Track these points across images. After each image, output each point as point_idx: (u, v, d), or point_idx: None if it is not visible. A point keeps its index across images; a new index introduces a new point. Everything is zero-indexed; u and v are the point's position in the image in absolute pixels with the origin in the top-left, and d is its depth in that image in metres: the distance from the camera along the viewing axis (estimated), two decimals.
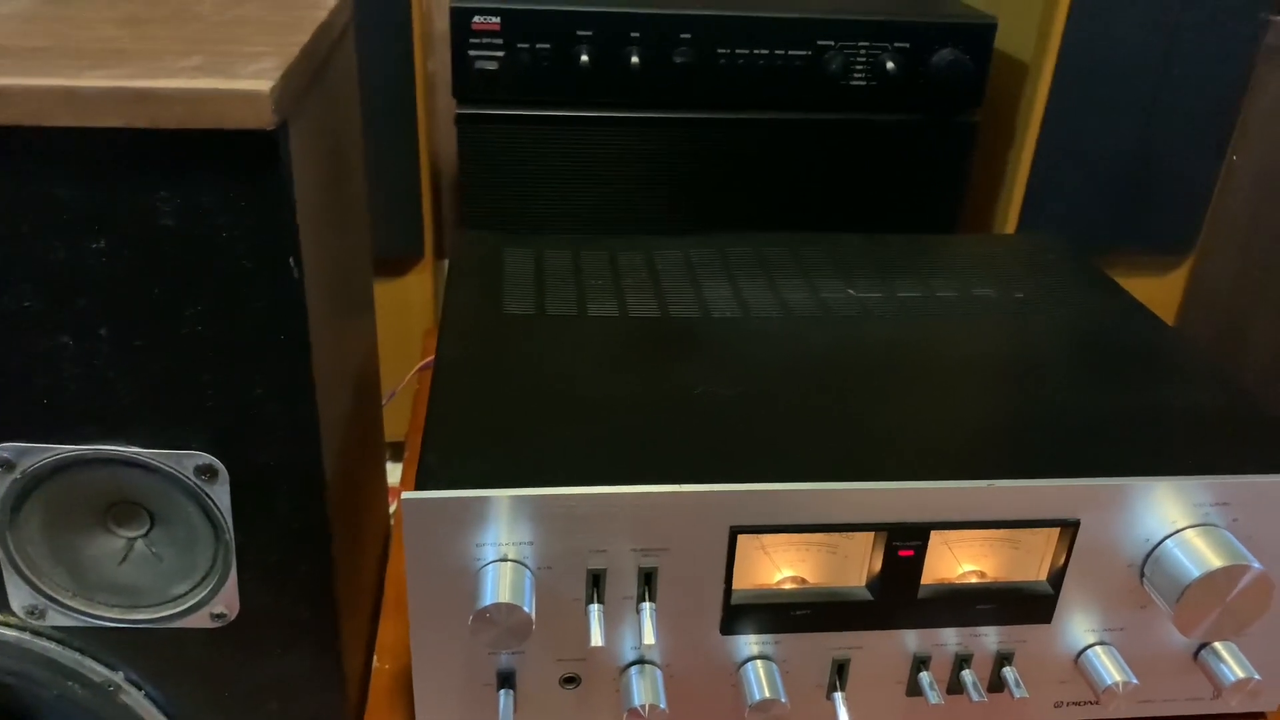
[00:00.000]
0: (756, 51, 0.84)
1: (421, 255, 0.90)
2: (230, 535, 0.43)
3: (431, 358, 0.83)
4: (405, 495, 0.43)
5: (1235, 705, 0.52)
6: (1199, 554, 0.47)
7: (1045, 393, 0.54)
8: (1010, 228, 0.94)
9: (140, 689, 0.47)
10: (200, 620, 0.45)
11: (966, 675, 0.50)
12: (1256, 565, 0.46)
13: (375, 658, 0.56)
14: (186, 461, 0.42)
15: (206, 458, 0.42)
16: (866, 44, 0.85)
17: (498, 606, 0.43)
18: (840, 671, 0.50)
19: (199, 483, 0.42)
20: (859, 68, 0.86)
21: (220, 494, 0.42)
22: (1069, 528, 0.47)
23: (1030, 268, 0.69)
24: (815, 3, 0.87)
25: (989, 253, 0.72)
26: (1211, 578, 0.46)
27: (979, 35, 0.86)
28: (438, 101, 0.96)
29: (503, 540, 0.45)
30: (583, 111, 0.85)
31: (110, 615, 0.45)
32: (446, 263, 0.91)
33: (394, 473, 0.84)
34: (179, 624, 0.45)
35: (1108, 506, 0.47)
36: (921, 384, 0.54)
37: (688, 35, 0.83)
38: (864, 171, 0.90)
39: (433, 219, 0.89)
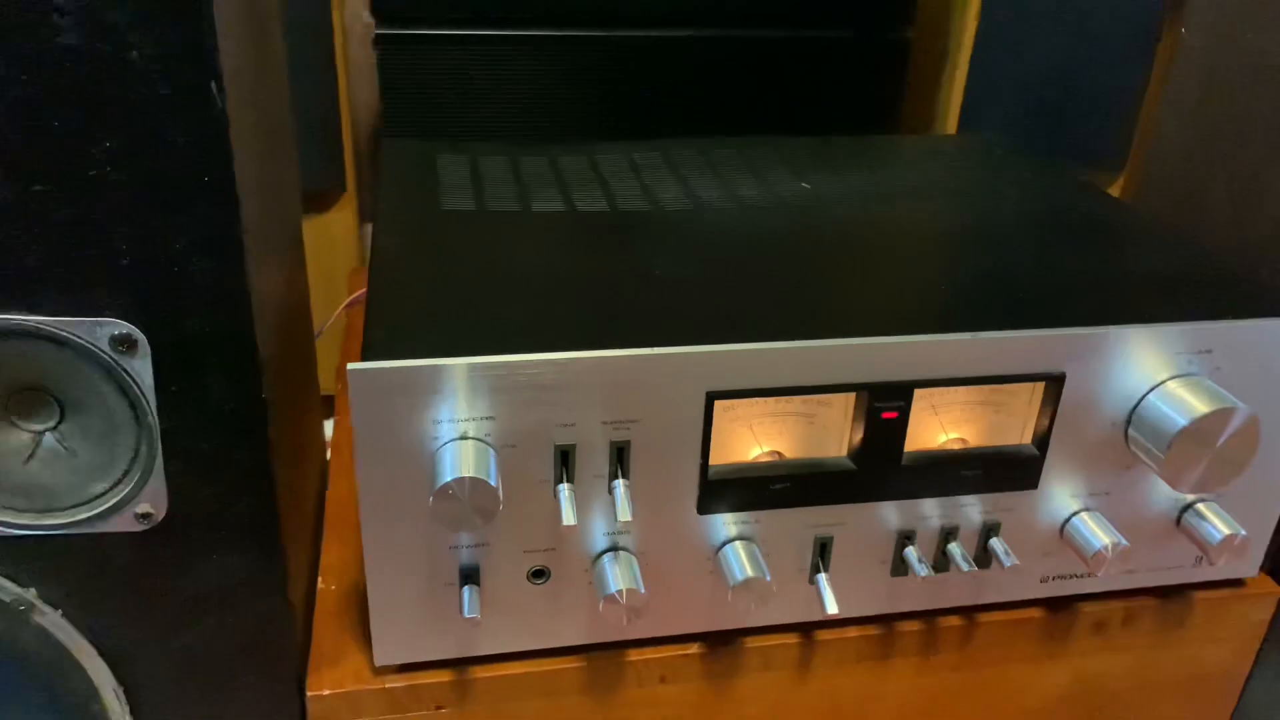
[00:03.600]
0: None
1: (344, 189, 0.85)
2: (154, 420, 0.39)
3: (361, 292, 0.78)
4: (351, 367, 0.39)
5: (1222, 564, 0.51)
6: (1184, 403, 0.45)
7: (1020, 256, 0.53)
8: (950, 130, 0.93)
9: (57, 608, 0.41)
10: (124, 523, 0.40)
11: (954, 548, 0.48)
12: (1243, 408, 0.45)
13: (320, 579, 0.52)
14: (100, 331, 0.37)
15: (124, 326, 0.37)
16: None
17: (461, 481, 0.39)
18: (823, 552, 0.47)
19: (115, 356, 0.37)
20: None
21: (141, 370, 0.38)
22: (1055, 381, 0.45)
23: (982, 159, 0.68)
24: None
25: (938, 149, 0.70)
26: (1199, 424, 0.45)
27: None
28: (353, 43, 0.91)
29: (461, 416, 0.41)
30: (504, 30, 0.81)
31: (18, 522, 0.40)
32: (370, 202, 0.86)
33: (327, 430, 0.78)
34: (99, 528, 0.40)
35: (1093, 357, 0.45)
36: (894, 252, 0.52)
37: None
38: (796, 90, 0.88)
39: (353, 154, 0.84)
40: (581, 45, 0.83)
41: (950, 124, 0.93)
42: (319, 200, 0.84)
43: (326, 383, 0.73)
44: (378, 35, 0.79)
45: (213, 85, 0.34)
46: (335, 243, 0.85)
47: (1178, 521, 0.51)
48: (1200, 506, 0.50)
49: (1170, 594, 0.53)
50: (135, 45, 0.33)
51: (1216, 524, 0.49)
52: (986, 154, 0.69)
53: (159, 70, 0.33)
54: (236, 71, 0.37)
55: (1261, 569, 0.55)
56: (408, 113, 0.82)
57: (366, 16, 0.80)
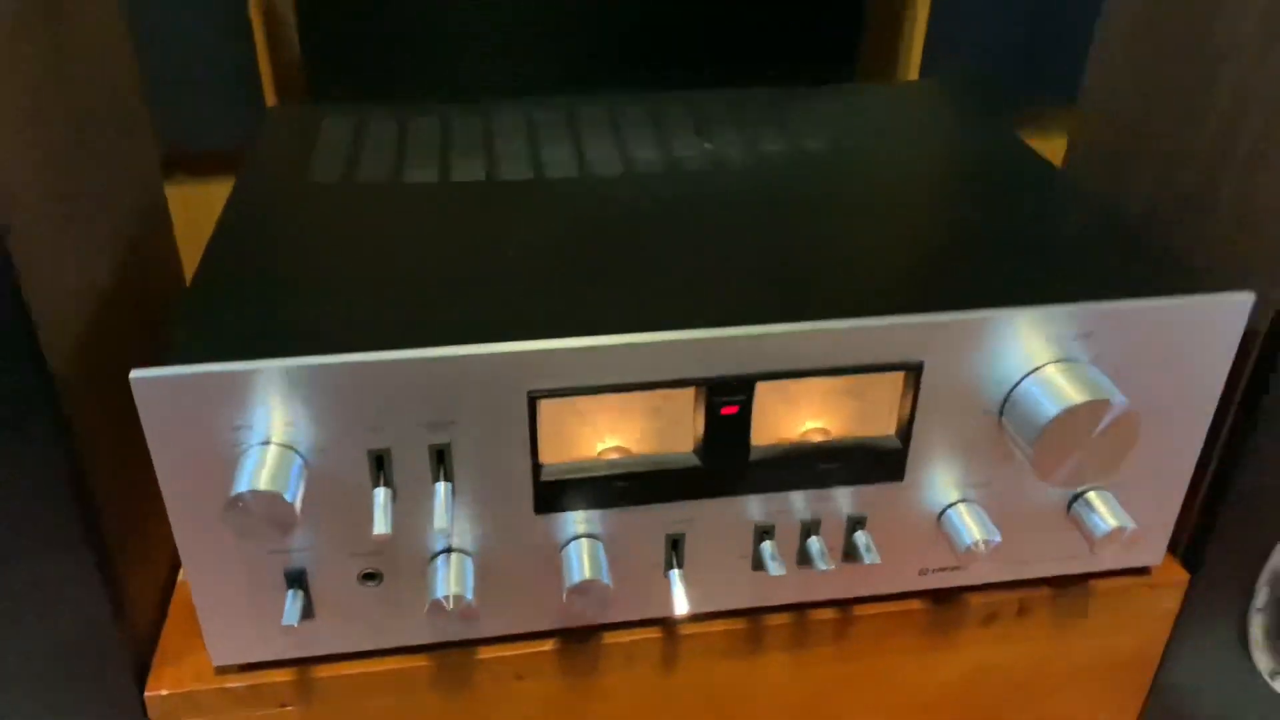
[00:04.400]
0: None
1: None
2: None
3: None
4: (134, 374, 0.37)
5: (1110, 559, 0.48)
6: (1058, 390, 0.42)
7: (897, 229, 0.49)
8: (915, 65, 0.88)
9: None
10: None
11: (813, 543, 0.45)
12: (1120, 399, 0.41)
13: (182, 570, 0.51)
14: None
15: None
16: None
17: (253, 494, 0.38)
18: (675, 547, 0.45)
19: None
20: None
21: None
22: (912, 370, 0.42)
23: (910, 115, 0.63)
24: None
25: (867, 102, 0.66)
26: (1071, 414, 0.41)
27: None
28: None
29: (265, 421, 0.39)
30: None
31: None
32: None
33: None
34: None
35: (955, 345, 0.42)
36: (759, 229, 0.49)
37: None
38: (751, 31, 0.82)
39: (276, 90, 0.81)
40: None
41: (914, 63, 0.88)
42: (233, 145, 0.81)
43: None
44: None
45: None
46: None
47: (1068, 509, 0.47)
48: (1090, 495, 0.47)
49: (1069, 584, 0.50)
50: None
51: (1104, 515, 0.46)
52: (918, 107, 0.64)
53: None
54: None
55: (1175, 554, 0.52)
56: (327, 57, 0.78)
57: None
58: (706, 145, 0.58)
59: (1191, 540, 0.52)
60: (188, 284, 0.48)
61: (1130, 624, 0.52)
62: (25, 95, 0.38)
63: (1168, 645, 0.53)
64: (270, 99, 0.81)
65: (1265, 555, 0.52)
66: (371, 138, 0.59)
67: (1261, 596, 0.53)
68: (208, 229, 0.49)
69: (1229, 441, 0.49)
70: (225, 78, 0.78)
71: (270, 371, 0.38)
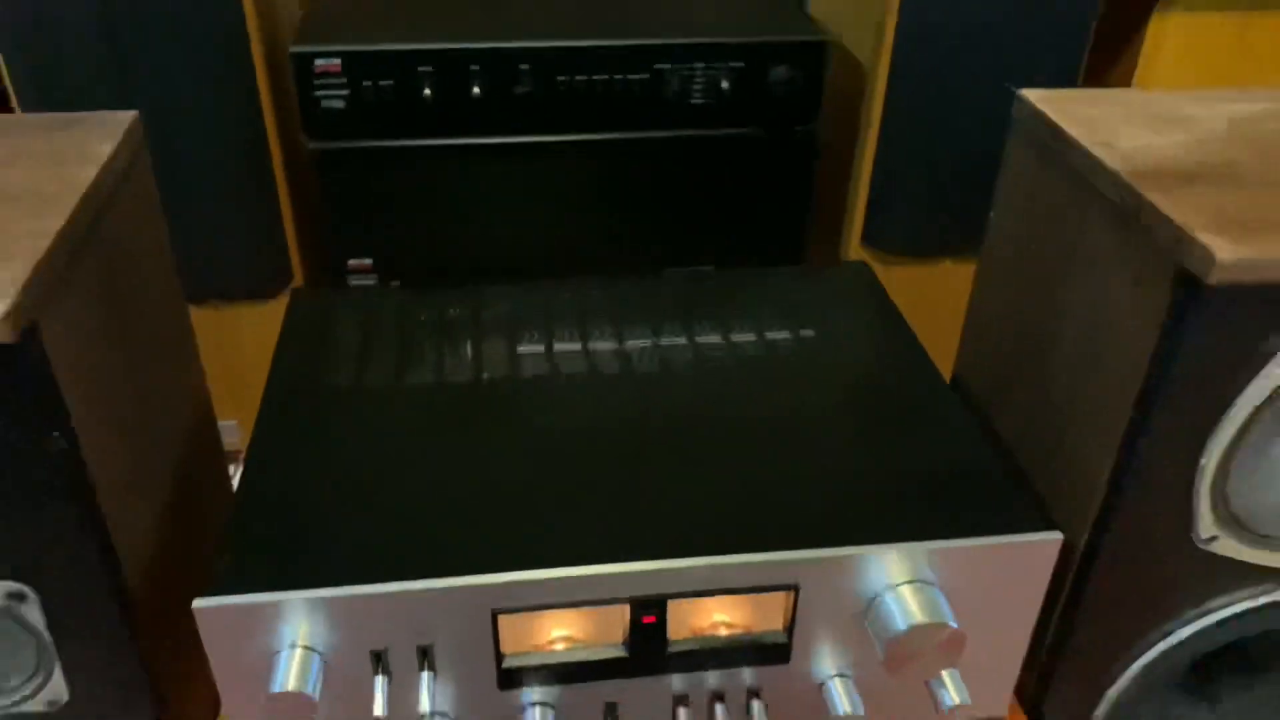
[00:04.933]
0: (596, 77, 0.88)
1: (291, 279, 0.95)
2: (49, 641, 0.50)
3: None
4: (196, 603, 0.50)
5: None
6: (905, 611, 0.54)
7: (790, 458, 0.60)
8: (856, 235, 0.99)
9: None
10: (37, 705, 0.52)
11: (719, 709, 0.58)
12: (952, 624, 0.53)
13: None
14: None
15: (16, 585, 0.48)
16: (702, 65, 0.89)
17: (284, 693, 0.50)
18: (612, 710, 0.58)
19: (12, 603, 0.49)
20: (697, 87, 0.89)
21: (32, 611, 0.49)
22: (789, 590, 0.54)
23: (827, 306, 0.74)
24: (650, 27, 0.90)
25: (790, 290, 0.76)
26: (914, 631, 0.53)
27: (812, 52, 0.90)
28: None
29: (294, 630, 0.51)
30: (430, 140, 0.89)
31: None
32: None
33: None
34: (20, 709, 0.52)
35: (824, 572, 0.54)
36: (680, 454, 0.60)
37: (526, 66, 0.86)
38: (711, 185, 0.94)
39: (297, 246, 0.94)
40: (504, 151, 0.90)
41: (860, 206, 0.99)
42: (266, 291, 0.94)
43: None
44: (311, 149, 0.88)
45: (56, 434, 0.44)
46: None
47: (927, 684, 0.60)
48: (944, 674, 0.59)
49: None
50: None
51: (950, 692, 0.58)
52: (837, 298, 0.75)
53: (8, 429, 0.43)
54: (94, 390, 0.47)
55: (1024, 708, 0.65)
56: (345, 216, 0.90)
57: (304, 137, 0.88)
58: (657, 341, 0.70)
59: (1030, 695, 0.64)
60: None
61: None
62: (93, 359, 0.51)
63: None
64: (291, 240, 0.93)
65: (1094, 704, 0.64)
66: (378, 330, 0.71)
67: None
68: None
69: (1059, 627, 0.61)
70: (257, 224, 0.90)
71: (294, 601, 0.50)
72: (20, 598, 0.49)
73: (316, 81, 0.85)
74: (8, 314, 0.40)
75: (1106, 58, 1.07)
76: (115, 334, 0.52)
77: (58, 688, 0.52)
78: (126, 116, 0.56)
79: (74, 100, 0.81)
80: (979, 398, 0.73)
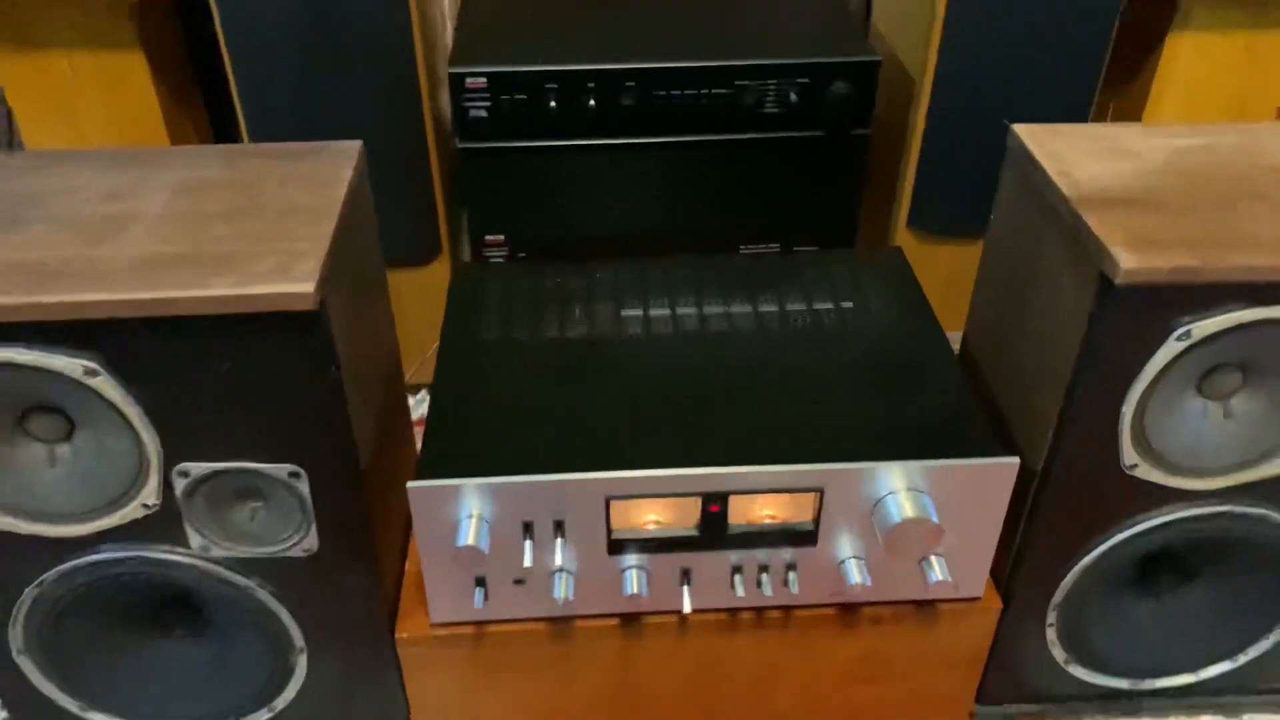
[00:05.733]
0: (687, 92, 1.09)
1: (440, 251, 1.18)
2: (310, 507, 0.75)
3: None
4: (410, 485, 0.74)
5: (947, 594, 0.82)
6: (901, 508, 0.75)
7: (823, 397, 0.81)
8: (903, 219, 1.19)
9: (265, 589, 0.79)
10: (298, 553, 0.77)
11: (764, 577, 0.80)
12: (934, 520, 0.75)
13: (408, 561, 0.89)
14: (280, 470, 0.72)
15: (295, 467, 0.72)
16: (774, 81, 1.09)
17: (465, 548, 0.74)
18: (685, 575, 0.80)
19: (291, 480, 0.73)
20: (769, 99, 1.10)
21: (303, 486, 0.73)
22: (816, 492, 0.76)
23: (864, 283, 0.95)
24: (730, 49, 1.10)
25: (830, 270, 0.96)
26: (905, 524, 0.75)
27: (866, 69, 1.09)
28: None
29: (470, 506, 0.75)
30: (553, 141, 1.11)
31: (249, 551, 0.77)
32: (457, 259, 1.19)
33: (422, 406, 1.14)
34: (288, 555, 0.77)
35: (842, 480, 0.76)
36: (742, 392, 0.82)
37: (632, 83, 1.08)
38: (779, 179, 1.14)
39: (447, 224, 1.17)
40: (615, 151, 1.11)
41: (906, 195, 1.18)
42: (421, 260, 1.18)
43: (428, 375, 1.06)
44: (460, 149, 1.10)
45: (332, 368, 0.68)
46: (434, 287, 1.18)
47: (919, 563, 0.81)
48: (931, 558, 0.80)
49: (924, 605, 0.84)
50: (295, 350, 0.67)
51: (936, 572, 0.79)
52: (872, 277, 0.96)
53: (304, 366, 0.67)
54: (348, 341, 0.71)
55: (997, 588, 0.85)
56: (483, 204, 1.13)
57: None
58: (729, 309, 0.91)
59: (1005, 581, 0.85)
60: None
61: (965, 629, 0.86)
62: (347, 280, 0.74)
63: (993, 643, 0.87)
64: (441, 218, 1.17)
65: (1053, 591, 0.84)
66: (518, 295, 0.94)
67: (1050, 616, 0.86)
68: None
69: (1023, 532, 0.81)
70: (415, 205, 1.13)
71: (471, 485, 0.74)
72: (296, 476, 0.73)
73: (466, 95, 1.07)
74: (314, 291, 0.64)
75: (1129, 72, 1.23)
76: (357, 301, 0.76)
77: (312, 541, 0.77)
78: (355, 146, 0.79)
79: (287, 122, 1.05)
80: (976, 356, 0.93)
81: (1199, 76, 1.17)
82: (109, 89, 1.13)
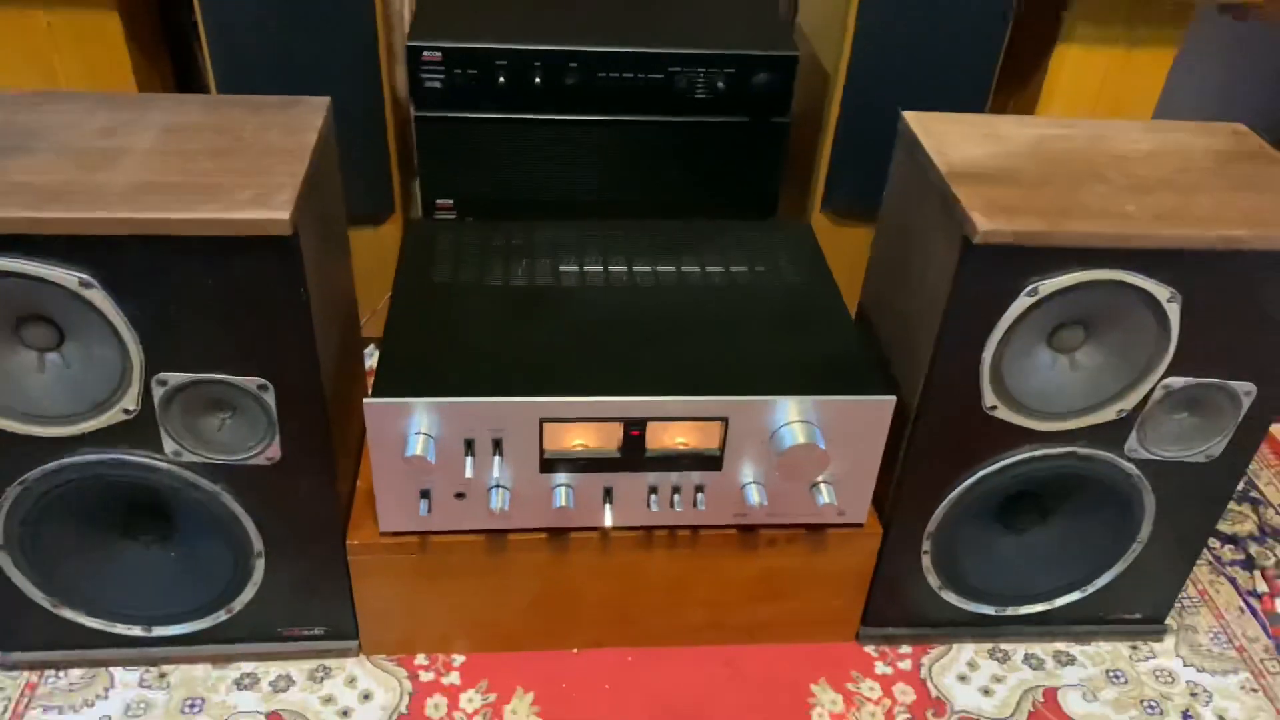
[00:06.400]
0: (625, 75, 1.19)
1: (393, 211, 1.28)
2: (275, 417, 0.84)
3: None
4: (365, 401, 0.83)
5: (834, 518, 0.94)
6: (794, 436, 0.87)
7: (732, 342, 0.93)
8: (819, 202, 1.31)
9: (229, 494, 0.88)
10: (262, 460, 0.86)
11: (675, 497, 0.91)
12: (821, 446, 0.87)
13: (359, 480, 0.98)
14: (250, 382, 0.82)
15: (263, 380, 0.82)
16: (704, 70, 1.20)
17: (414, 458, 0.84)
18: (608, 493, 0.91)
19: (259, 392, 0.82)
20: (699, 86, 1.21)
21: (269, 397, 0.83)
22: (722, 421, 0.87)
23: (775, 250, 1.07)
24: (667, 38, 1.21)
25: (746, 238, 1.08)
26: (796, 449, 0.87)
27: (786, 63, 1.21)
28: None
29: (422, 420, 0.85)
30: (501, 115, 1.21)
31: (218, 457, 0.86)
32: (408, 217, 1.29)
33: (372, 358, 1.24)
34: (253, 462, 0.86)
35: (744, 411, 0.87)
36: (663, 336, 0.93)
37: (575, 65, 1.18)
38: (707, 158, 1.26)
39: (400, 188, 1.27)
40: (558, 125, 1.22)
41: (821, 179, 1.31)
42: (374, 219, 1.27)
43: (377, 329, 1.16)
44: (415, 117, 1.20)
45: (301, 290, 0.77)
46: (385, 246, 1.28)
47: (810, 489, 0.93)
48: (820, 485, 0.92)
49: (815, 529, 0.96)
50: (265, 273, 0.76)
51: (824, 496, 0.91)
52: (782, 245, 1.08)
53: (277, 289, 0.77)
54: (315, 269, 0.80)
55: (880, 516, 0.98)
56: (437, 168, 1.23)
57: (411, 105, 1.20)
58: (655, 268, 1.03)
59: (886, 511, 0.97)
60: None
61: (851, 550, 0.98)
62: (315, 214, 0.84)
63: (875, 568, 0.99)
64: (395, 177, 1.26)
65: (927, 520, 0.97)
66: (464, 250, 1.04)
67: (925, 544, 0.98)
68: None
69: (901, 465, 0.94)
70: (370, 167, 1.23)
71: (420, 404, 0.84)
72: (264, 388, 0.82)
73: (423, 67, 1.17)
74: (290, 219, 0.73)
75: (1024, 76, 1.38)
76: (323, 238, 0.85)
77: (275, 450, 0.86)
78: (324, 101, 0.88)
79: (255, 80, 1.14)
80: (869, 311, 1.05)
81: (1081, 81, 1.32)
82: (83, 44, 1.20)
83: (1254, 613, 1.11)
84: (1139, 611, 1.06)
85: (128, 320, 0.77)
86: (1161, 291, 0.83)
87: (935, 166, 0.86)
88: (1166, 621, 1.08)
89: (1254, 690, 1.03)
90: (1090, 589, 1.04)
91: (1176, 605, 1.10)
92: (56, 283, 0.75)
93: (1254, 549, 1.18)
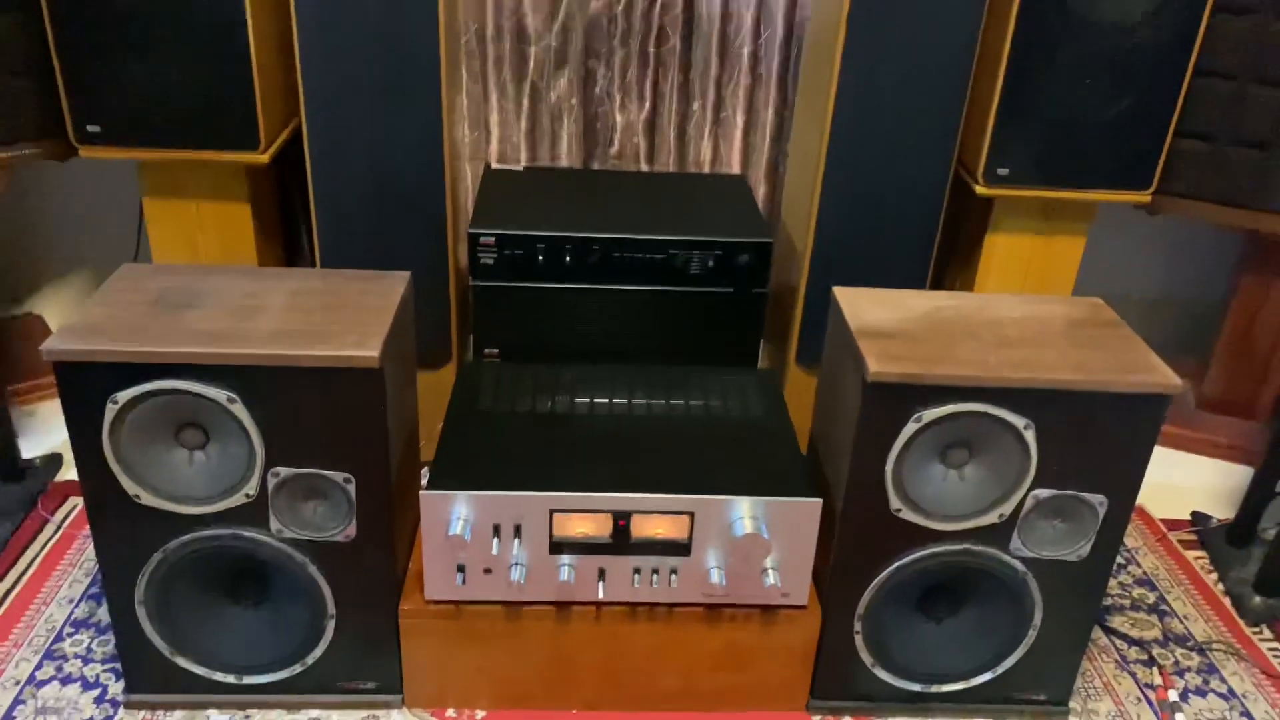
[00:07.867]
0: (636, 255, 1.53)
1: (450, 360, 1.60)
2: (354, 503, 1.13)
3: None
4: (423, 492, 1.12)
5: (777, 599, 1.19)
6: (744, 526, 1.14)
7: (700, 454, 1.21)
8: (794, 356, 1.61)
9: (314, 565, 1.16)
10: (340, 538, 1.15)
11: (655, 577, 1.17)
12: (765, 536, 1.13)
13: (411, 561, 1.26)
14: (339, 475, 1.11)
15: (347, 474, 1.11)
16: (697, 251, 1.53)
17: (453, 536, 1.12)
18: (601, 573, 1.18)
19: (344, 484, 1.12)
20: (693, 263, 1.54)
21: (351, 489, 1.12)
22: (689, 515, 1.15)
23: (744, 389, 1.36)
24: (668, 227, 1.54)
25: (722, 381, 1.38)
26: (745, 538, 1.13)
27: (762, 248, 1.53)
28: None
29: (459, 510, 1.13)
30: (540, 284, 1.54)
31: (310, 535, 1.15)
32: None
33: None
34: (334, 539, 1.15)
35: (708, 508, 1.14)
36: (648, 449, 1.22)
37: (597, 247, 1.52)
38: (701, 321, 1.57)
39: (458, 342, 1.59)
40: (586, 293, 1.55)
41: (795, 337, 1.61)
42: (435, 364, 1.59)
43: (429, 453, 1.46)
44: (472, 286, 1.53)
45: (383, 408, 1.08)
46: (444, 385, 1.59)
47: (762, 574, 1.18)
48: (768, 569, 1.17)
49: (767, 609, 1.21)
50: (362, 394, 1.07)
51: (771, 578, 1.17)
52: (744, 388, 1.37)
53: (370, 407, 1.07)
54: (394, 390, 1.11)
55: (820, 599, 1.22)
56: (489, 326, 1.56)
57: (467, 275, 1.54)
58: (648, 401, 1.32)
59: (824, 595, 1.22)
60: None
61: (797, 629, 1.22)
62: (397, 404, 1.15)
63: (818, 645, 1.23)
64: (454, 334, 1.59)
65: (856, 604, 1.21)
66: (505, 384, 1.34)
67: (857, 625, 1.22)
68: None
69: (834, 556, 1.19)
70: (437, 330, 1.56)
71: (461, 495, 1.13)
72: (349, 480, 1.12)
73: (480, 248, 1.51)
74: (378, 356, 1.04)
75: (966, 259, 1.68)
76: (398, 371, 1.16)
77: (352, 529, 1.14)
78: (405, 275, 1.21)
79: (352, 253, 1.49)
80: (816, 438, 1.33)
81: (1009, 263, 1.62)
82: (222, 227, 1.57)
83: (1149, 702, 1.31)
84: (1043, 693, 1.28)
85: (258, 427, 1.08)
86: (1018, 420, 1.10)
87: (849, 327, 1.15)
88: (1071, 704, 1.29)
89: None
90: (999, 669, 1.26)
91: (1083, 693, 1.31)
92: (211, 398, 1.07)
93: (1156, 650, 1.39)
